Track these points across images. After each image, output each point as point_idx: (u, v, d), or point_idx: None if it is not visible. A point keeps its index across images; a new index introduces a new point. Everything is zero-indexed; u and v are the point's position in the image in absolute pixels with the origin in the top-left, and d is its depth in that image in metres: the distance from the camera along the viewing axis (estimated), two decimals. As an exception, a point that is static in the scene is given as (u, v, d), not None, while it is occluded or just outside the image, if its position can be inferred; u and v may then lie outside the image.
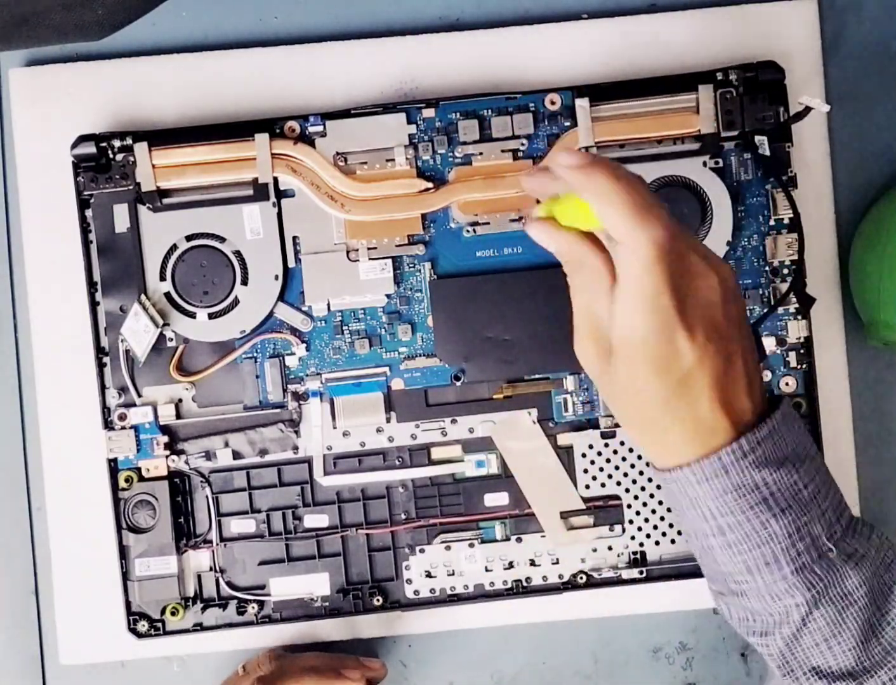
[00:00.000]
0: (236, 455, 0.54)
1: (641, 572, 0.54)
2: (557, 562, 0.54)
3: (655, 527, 0.54)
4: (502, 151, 0.54)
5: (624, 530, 0.54)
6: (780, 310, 0.55)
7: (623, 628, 0.58)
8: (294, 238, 0.54)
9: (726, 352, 0.40)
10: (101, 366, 0.54)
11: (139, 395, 0.54)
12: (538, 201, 0.44)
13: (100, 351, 0.54)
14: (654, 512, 0.54)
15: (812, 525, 0.40)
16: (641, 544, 0.54)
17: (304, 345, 0.54)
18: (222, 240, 0.54)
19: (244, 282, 0.54)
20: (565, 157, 0.40)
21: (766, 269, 0.55)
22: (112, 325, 0.54)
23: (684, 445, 0.40)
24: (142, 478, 0.54)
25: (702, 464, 0.40)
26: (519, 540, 0.55)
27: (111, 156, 0.54)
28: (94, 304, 0.54)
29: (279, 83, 0.56)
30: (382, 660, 0.55)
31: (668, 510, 0.54)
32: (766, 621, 0.42)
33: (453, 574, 0.54)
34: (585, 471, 0.54)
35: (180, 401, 0.55)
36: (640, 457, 0.54)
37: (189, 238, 0.54)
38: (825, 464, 0.42)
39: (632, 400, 0.41)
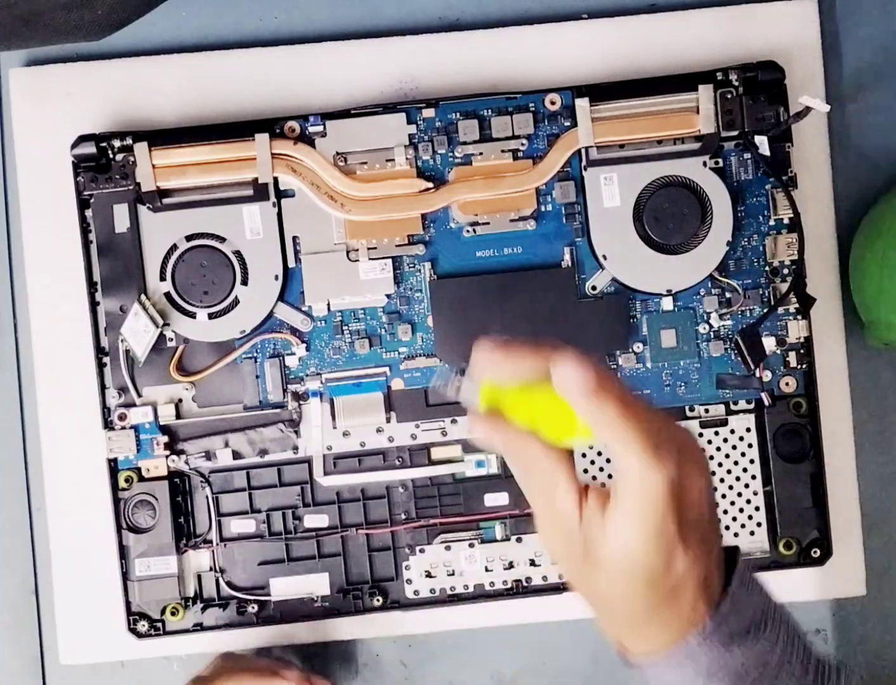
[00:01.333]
0: (236, 455, 0.54)
1: (641, 572, 0.54)
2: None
3: (655, 527, 0.54)
4: (502, 151, 0.54)
5: (624, 530, 0.54)
6: (780, 310, 0.54)
7: (623, 628, 0.57)
8: (294, 238, 0.54)
9: (711, 549, 0.39)
10: (101, 366, 0.54)
11: (139, 395, 0.54)
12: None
13: (100, 351, 0.54)
14: (654, 512, 0.54)
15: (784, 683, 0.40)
16: (641, 544, 0.54)
17: (304, 345, 0.54)
18: (222, 240, 0.54)
19: (244, 282, 0.54)
20: (572, 373, 0.37)
21: (766, 269, 0.55)
22: (112, 325, 0.54)
23: (656, 639, 0.39)
24: (142, 478, 0.54)
25: (670, 652, 0.39)
26: (519, 540, 0.55)
27: (111, 156, 0.54)
28: (94, 304, 0.54)
29: (279, 83, 0.56)
30: (333, 681, 0.55)
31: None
32: None
33: (453, 574, 0.54)
34: (585, 471, 0.54)
35: (180, 401, 0.55)
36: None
37: (189, 238, 0.54)
38: (786, 612, 0.41)
39: (609, 604, 0.40)
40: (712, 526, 0.39)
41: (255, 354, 0.54)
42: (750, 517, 0.54)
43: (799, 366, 0.55)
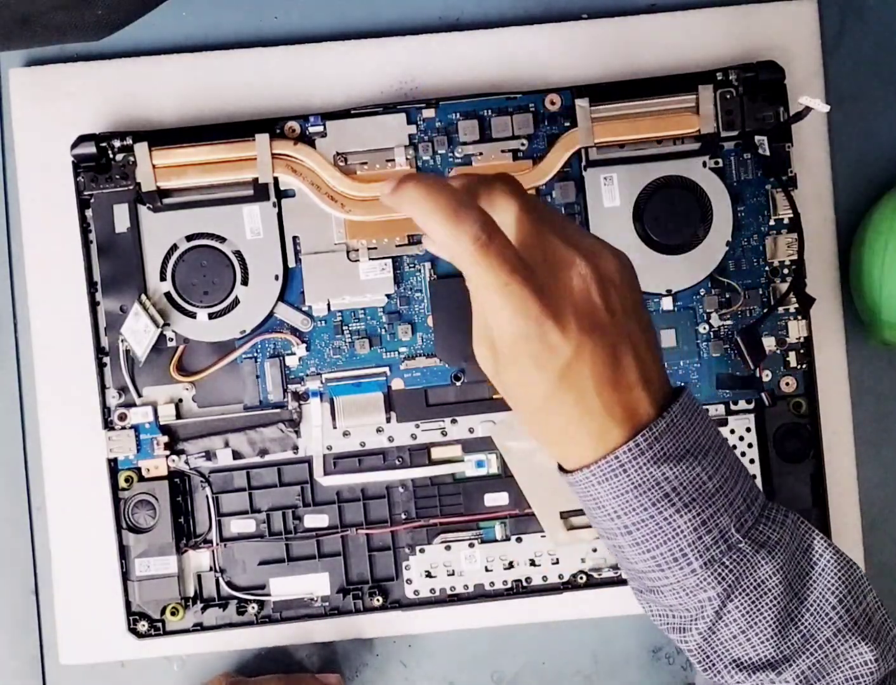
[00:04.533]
0: (236, 455, 0.54)
1: (641, 572, 0.54)
2: (557, 562, 0.55)
3: (655, 527, 0.54)
4: (502, 151, 0.54)
5: (624, 530, 0.54)
6: (780, 310, 0.55)
7: (623, 628, 0.58)
8: (294, 238, 0.54)
9: (609, 343, 0.39)
10: (101, 366, 0.54)
11: (139, 395, 0.54)
12: None
13: (100, 351, 0.54)
14: (654, 512, 0.54)
15: (719, 517, 0.39)
16: (641, 544, 0.54)
17: (304, 345, 0.54)
18: (222, 240, 0.54)
19: (244, 282, 0.54)
20: (383, 187, 0.40)
21: (766, 269, 0.55)
22: (112, 325, 0.54)
23: (583, 446, 0.40)
24: (142, 478, 0.54)
25: (600, 464, 0.39)
26: (519, 540, 0.55)
27: (111, 156, 0.54)
28: (94, 304, 0.54)
29: (279, 83, 0.56)
30: (339, 675, 0.55)
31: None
32: (683, 617, 0.41)
33: (453, 574, 0.54)
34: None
35: (180, 401, 0.55)
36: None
37: (189, 238, 0.54)
38: (733, 452, 0.41)
39: (522, 397, 0.40)
40: (614, 314, 0.39)
41: (255, 354, 0.54)
42: (750, 517, 0.54)
43: (799, 366, 0.55)
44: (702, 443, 0.40)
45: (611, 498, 0.39)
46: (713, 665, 0.41)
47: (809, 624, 0.40)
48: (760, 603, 0.40)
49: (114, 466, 0.54)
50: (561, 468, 0.42)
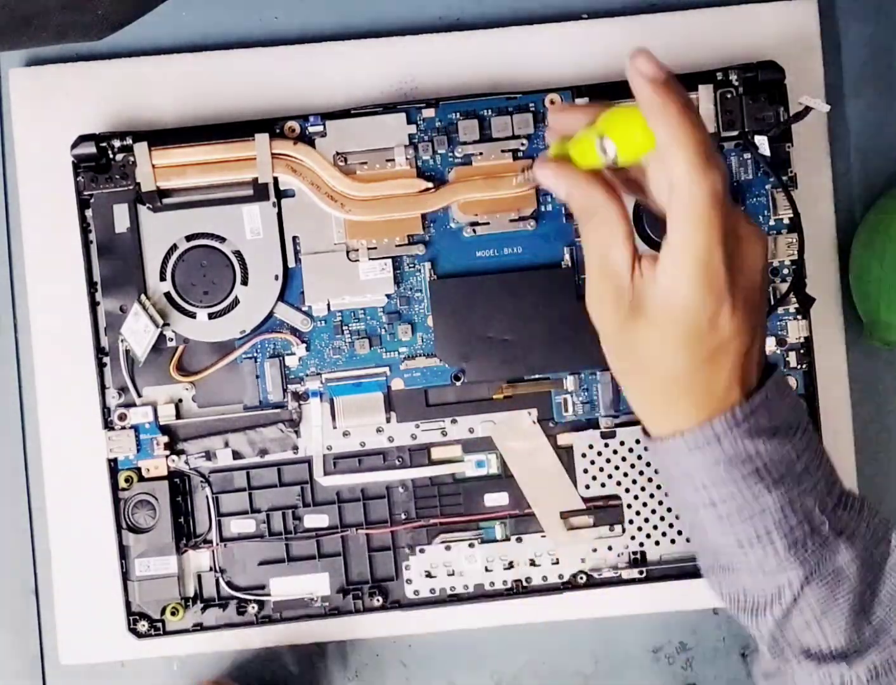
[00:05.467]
0: (236, 455, 0.54)
1: (641, 572, 0.54)
2: (557, 562, 0.54)
3: (655, 527, 0.54)
4: (502, 151, 0.54)
5: (624, 530, 0.54)
6: (780, 310, 0.54)
7: (623, 628, 0.58)
8: (294, 238, 0.54)
9: (756, 326, 0.39)
10: (101, 366, 0.54)
11: (139, 395, 0.54)
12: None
13: (100, 351, 0.54)
14: (654, 512, 0.54)
15: (805, 498, 0.39)
16: (641, 544, 0.54)
17: (304, 345, 0.54)
18: (222, 240, 0.54)
19: (244, 282, 0.54)
20: (645, 64, 0.37)
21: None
22: (112, 325, 0.54)
23: (685, 416, 0.39)
24: (142, 478, 0.54)
25: (694, 432, 0.39)
26: (519, 540, 0.55)
27: (111, 156, 0.54)
28: (94, 304, 0.54)
29: (279, 83, 0.56)
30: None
31: (668, 510, 0.54)
32: (758, 599, 0.40)
33: (453, 574, 0.54)
34: (585, 471, 0.54)
35: (180, 401, 0.55)
36: (640, 458, 0.54)
37: (189, 238, 0.54)
38: (817, 435, 0.42)
39: (649, 366, 0.39)
40: (762, 303, 0.39)
41: (255, 354, 0.54)
42: (750, 517, 0.54)
43: (799, 367, 0.55)
44: (791, 422, 0.40)
45: (700, 468, 0.39)
46: (782, 651, 0.41)
47: (881, 617, 0.40)
48: (837, 591, 0.39)
49: (114, 466, 0.54)
50: (647, 435, 0.41)
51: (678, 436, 0.39)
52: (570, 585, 0.55)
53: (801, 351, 0.55)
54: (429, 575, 0.55)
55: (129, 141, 0.53)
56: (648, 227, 0.54)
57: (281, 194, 0.54)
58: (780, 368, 0.41)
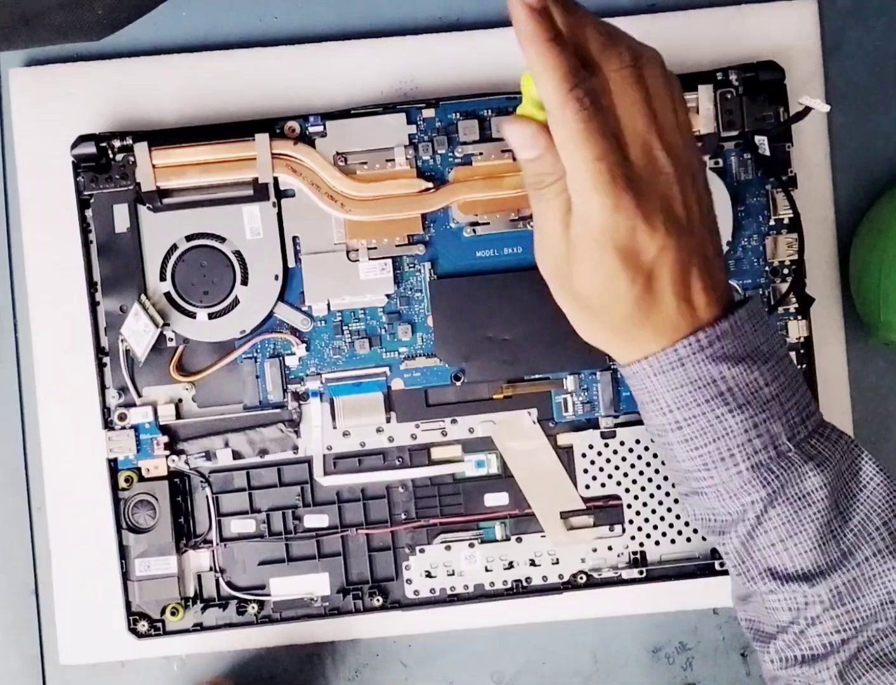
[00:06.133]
0: (236, 455, 0.54)
1: (641, 572, 0.54)
2: (557, 562, 0.55)
3: (655, 527, 0.54)
4: (502, 151, 0.54)
5: (624, 530, 0.54)
6: (780, 310, 0.55)
7: (623, 628, 0.58)
8: (294, 238, 0.54)
9: (687, 245, 0.39)
10: (101, 366, 0.54)
11: (139, 395, 0.54)
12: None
13: (100, 351, 0.54)
14: (654, 512, 0.54)
15: (771, 423, 0.40)
16: (641, 544, 0.54)
17: (304, 345, 0.54)
18: (222, 240, 0.54)
19: (244, 282, 0.54)
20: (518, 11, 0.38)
21: (766, 269, 0.55)
22: (112, 325, 0.54)
23: (645, 339, 0.40)
24: (142, 478, 0.54)
25: (658, 356, 0.40)
26: (519, 540, 0.55)
27: (111, 156, 0.54)
28: (94, 304, 0.54)
29: (279, 83, 0.56)
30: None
31: (668, 510, 0.54)
32: (725, 520, 0.42)
33: (453, 574, 0.54)
34: (585, 471, 0.54)
35: (180, 401, 0.55)
36: (640, 458, 0.54)
37: (189, 238, 0.54)
38: (795, 366, 0.42)
39: (600, 305, 0.40)
40: (691, 216, 0.40)
41: (255, 354, 0.54)
42: (750, 517, 0.54)
43: (799, 366, 0.55)
44: (763, 351, 0.40)
45: (665, 391, 0.40)
46: (748, 570, 0.42)
47: (850, 542, 0.40)
48: (802, 514, 0.40)
49: (114, 466, 0.54)
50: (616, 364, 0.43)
51: (643, 360, 0.41)
52: (570, 585, 0.55)
53: (801, 351, 0.55)
54: (429, 575, 0.55)
55: (129, 141, 0.53)
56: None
57: (281, 194, 0.54)
58: (757, 298, 0.42)
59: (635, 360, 0.41)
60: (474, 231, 0.54)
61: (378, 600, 0.54)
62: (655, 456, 0.54)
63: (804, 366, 0.54)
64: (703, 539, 0.54)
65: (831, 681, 0.40)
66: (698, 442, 0.40)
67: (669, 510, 0.54)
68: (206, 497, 0.55)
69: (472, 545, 0.54)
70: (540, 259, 0.42)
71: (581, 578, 0.54)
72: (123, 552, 0.54)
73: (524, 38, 0.38)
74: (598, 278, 0.39)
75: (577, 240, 0.39)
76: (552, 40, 0.38)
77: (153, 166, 0.53)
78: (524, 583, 0.55)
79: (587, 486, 0.54)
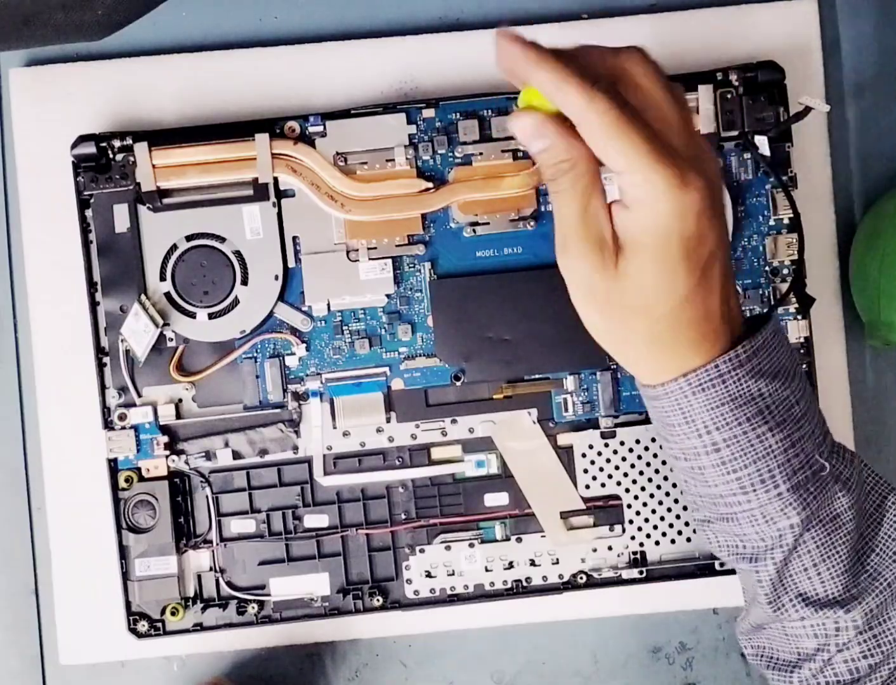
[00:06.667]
0: (236, 455, 0.54)
1: (641, 572, 0.54)
2: (557, 562, 0.55)
3: (655, 527, 0.54)
4: (502, 151, 0.54)
5: (624, 530, 0.54)
6: (780, 310, 0.54)
7: (623, 628, 0.58)
8: (294, 238, 0.54)
9: (728, 239, 0.38)
10: (101, 366, 0.54)
11: (139, 395, 0.54)
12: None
13: (100, 351, 0.54)
14: (654, 512, 0.54)
15: (805, 442, 0.39)
16: (641, 544, 0.54)
17: (304, 345, 0.54)
18: (222, 240, 0.54)
19: (244, 282, 0.54)
20: (504, 36, 0.37)
21: (766, 269, 0.55)
22: (112, 325, 0.54)
23: (682, 357, 0.38)
24: (142, 478, 0.54)
25: (698, 373, 0.38)
26: (519, 540, 0.55)
27: (111, 156, 0.54)
28: (94, 304, 0.54)
29: (279, 83, 0.56)
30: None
31: (668, 510, 0.54)
32: (757, 546, 0.40)
33: (453, 574, 0.54)
34: (585, 471, 0.54)
35: (180, 401, 0.55)
36: (640, 458, 0.54)
37: (189, 238, 0.54)
38: (810, 384, 0.41)
39: (644, 306, 0.38)
40: (723, 208, 0.38)
41: (255, 354, 0.54)
42: (750, 517, 0.54)
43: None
44: (788, 367, 0.39)
45: (704, 410, 0.38)
46: (779, 598, 0.40)
47: (876, 563, 0.40)
48: (835, 537, 0.39)
49: (114, 466, 0.54)
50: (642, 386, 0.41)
51: (681, 378, 0.38)
52: (570, 585, 0.55)
53: (801, 351, 0.54)
54: (429, 575, 0.55)
55: (129, 141, 0.53)
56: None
57: (281, 194, 0.54)
58: (776, 315, 0.41)
59: (670, 379, 0.39)
60: (474, 231, 0.54)
61: (378, 600, 0.54)
62: (655, 456, 0.54)
63: (804, 366, 0.54)
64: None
65: None
66: (737, 463, 0.39)
67: (669, 510, 0.54)
68: (206, 497, 0.55)
69: (472, 545, 0.54)
70: (563, 255, 0.39)
71: (581, 578, 0.54)
72: (123, 552, 0.54)
73: (530, 65, 0.37)
74: (654, 268, 0.37)
75: (634, 228, 0.37)
76: (556, 54, 0.37)
77: (153, 166, 0.53)
78: (524, 583, 0.55)
79: (587, 486, 0.54)
